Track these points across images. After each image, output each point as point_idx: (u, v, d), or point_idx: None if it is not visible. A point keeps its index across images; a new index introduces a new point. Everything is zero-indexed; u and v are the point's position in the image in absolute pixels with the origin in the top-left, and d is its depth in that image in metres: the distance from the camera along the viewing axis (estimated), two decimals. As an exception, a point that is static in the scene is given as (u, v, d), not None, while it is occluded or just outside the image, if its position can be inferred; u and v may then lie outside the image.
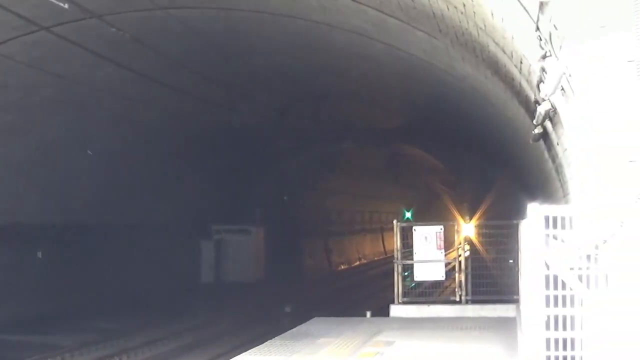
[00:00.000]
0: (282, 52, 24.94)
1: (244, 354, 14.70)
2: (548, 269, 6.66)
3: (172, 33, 22.50)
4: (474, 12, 11.34)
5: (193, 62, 25.80)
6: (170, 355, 24.52)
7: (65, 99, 25.50)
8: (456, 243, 21.10)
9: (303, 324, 18.12)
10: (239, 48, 24.91)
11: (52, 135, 27.28)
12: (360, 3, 15.29)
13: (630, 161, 7.14)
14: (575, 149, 9.11)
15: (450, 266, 22.15)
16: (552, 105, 9.49)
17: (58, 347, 23.92)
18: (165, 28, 22.01)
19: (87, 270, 31.04)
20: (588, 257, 6.73)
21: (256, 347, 15.28)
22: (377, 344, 14.48)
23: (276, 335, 16.68)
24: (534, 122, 11.16)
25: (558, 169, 11.62)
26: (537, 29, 8.51)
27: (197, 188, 39.63)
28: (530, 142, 12.74)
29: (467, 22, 12.48)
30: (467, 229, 24.84)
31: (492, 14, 10.50)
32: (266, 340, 15.89)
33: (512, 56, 11.50)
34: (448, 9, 12.60)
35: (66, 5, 17.05)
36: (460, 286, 19.48)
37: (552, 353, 6.34)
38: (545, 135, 11.45)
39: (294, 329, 17.53)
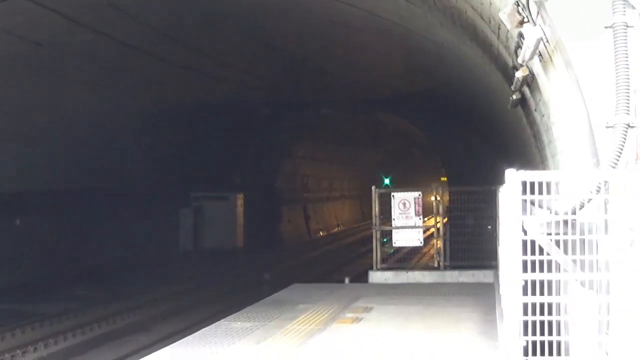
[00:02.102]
0: (260, 19, 24.61)
1: (223, 319, 14.82)
2: (525, 234, 6.82)
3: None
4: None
5: (172, 29, 25.48)
6: (149, 322, 24.63)
7: (42, 66, 25.30)
8: (434, 209, 21.05)
9: (282, 290, 18.37)
10: (217, 15, 24.80)
11: (30, 102, 26.99)
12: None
13: (607, 126, 7.27)
14: (554, 115, 9.25)
15: (428, 232, 22.58)
16: (530, 71, 9.60)
17: (38, 314, 23.97)
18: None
19: (65, 238, 31.08)
20: (565, 222, 6.89)
21: (235, 313, 15.44)
22: (355, 309, 14.73)
23: (255, 302, 16.85)
24: (512, 88, 11.24)
25: (536, 135, 11.77)
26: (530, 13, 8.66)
27: (176, 155, 39.58)
28: (509, 108, 12.85)
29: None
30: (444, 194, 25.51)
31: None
32: (245, 307, 16.22)
33: (490, 22, 11.67)
34: (427, -25, 12.74)
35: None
36: (438, 252, 19.82)
37: (530, 318, 6.51)
38: (523, 101, 11.53)
39: (273, 295, 17.86)
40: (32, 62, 25.10)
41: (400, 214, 19.05)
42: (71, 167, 30.70)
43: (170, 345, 11.79)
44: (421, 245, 20.74)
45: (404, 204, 19.15)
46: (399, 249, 21.02)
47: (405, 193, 19.69)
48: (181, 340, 12.89)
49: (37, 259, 28.83)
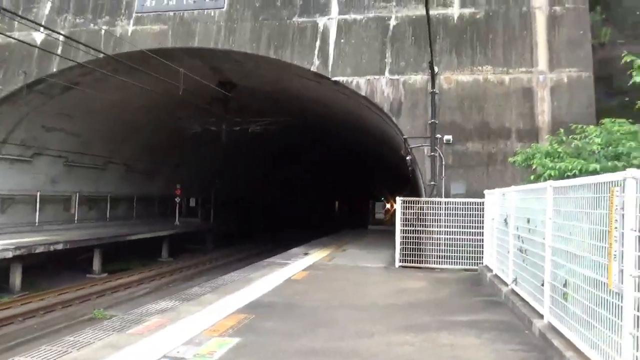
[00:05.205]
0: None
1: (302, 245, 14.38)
2: (403, 215, 11.06)
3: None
4: (389, 136, 14.29)
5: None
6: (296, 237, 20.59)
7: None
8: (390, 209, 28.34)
9: (341, 231, 20.76)
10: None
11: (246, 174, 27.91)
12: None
13: (428, 184, 11.09)
14: (417, 180, 12.61)
15: (388, 215, 29.35)
16: (410, 166, 12.53)
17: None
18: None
19: (247, 215, 29.99)
20: (417, 212, 10.69)
21: (311, 242, 15.36)
22: (363, 237, 17.56)
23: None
24: (409, 170, 13.69)
25: (415, 184, 14.18)
26: (405, 144, 11.69)
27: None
28: (410, 177, 15.48)
29: (388, 140, 15.02)
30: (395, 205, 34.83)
31: (393, 136, 13.52)
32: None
33: (397, 151, 13.21)
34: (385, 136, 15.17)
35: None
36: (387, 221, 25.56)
37: (404, 235, 10.37)
38: (411, 174, 14.15)
39: (338, 233, 19.93)
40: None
41: (377, 208, 27.48)
42: (248, 192, 29.80)
43: (274, 257, 11.15)
44: (384, 217, 28.06)
45: (381, 205, 27.30)
46: (379, 217, 27.36)
47: (380, 202, 28.47)
48: (278, 255, 11.87)
49: (238, 221, 28.31)
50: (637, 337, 3.11)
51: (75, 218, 17.38)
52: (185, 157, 22.05)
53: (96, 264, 14.48)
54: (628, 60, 4.88)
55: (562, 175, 5.42)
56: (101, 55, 11.57)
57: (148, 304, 6.30)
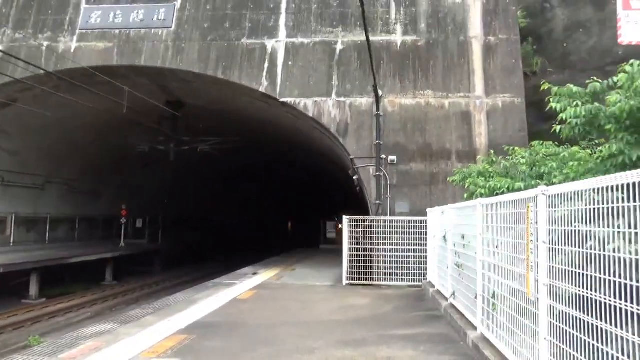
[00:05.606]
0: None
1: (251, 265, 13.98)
2: (350, 233, 11.90)
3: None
4: (337, 156, 14.58)
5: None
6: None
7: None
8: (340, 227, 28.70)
9: (294, 250, 20.60)
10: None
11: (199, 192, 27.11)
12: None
13: (374, 203, 12.63)
14: (366, 197, 12.94)
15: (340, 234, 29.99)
16: (358, 184, 12.64)
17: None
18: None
19: (201, 236, 28.97)
20: (364, 230, 10.98)
21: (260, 262, 15.03)
22: (314, 255, 17.23)
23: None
24: (356, 187, 13.95)
25: (362, 202, 14.04)
26: (351, 164, 12.05)
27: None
28: (359, 196, 16.12)
29: (337, 160, 15.38)
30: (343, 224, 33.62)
31: (341, 156, 13.93)
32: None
33: (346, 171, 13.32)
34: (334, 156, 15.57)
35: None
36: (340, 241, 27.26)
37: (351, 253, 10.64)
38: (360, 195, 14.31)
39: (290, 252, 19.57)
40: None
41: (329, 227, 26.15)
42: (199, 212, 28.81)
43: (222, 277, 10.80)
44: (336, 237, 25.99)
45: (331, 224, 26.03)
46: (329, 237, 26.47)
47: (331, 222, 26.59)
48: (226, 276, 11.69)
49: (189, 241, 26.88)
50: (551, 342, 3.35)
51: (12, 240, 16.44)
52: (132, 177, 21.39)
53: (33, 289, 13.72)
54: (546, 88, 5.32)
55: (492, 193, 5.77)
56: (41, 72, 11.21)
57: (84, 327, 6.05)
